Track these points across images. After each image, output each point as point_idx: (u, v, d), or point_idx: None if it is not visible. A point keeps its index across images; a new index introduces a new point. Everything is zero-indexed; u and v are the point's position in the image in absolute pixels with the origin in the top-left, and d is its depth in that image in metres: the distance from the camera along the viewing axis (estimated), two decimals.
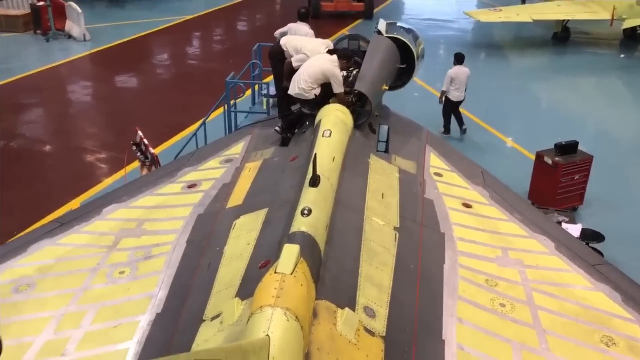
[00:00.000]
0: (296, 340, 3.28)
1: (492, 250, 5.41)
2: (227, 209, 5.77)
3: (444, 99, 12.84)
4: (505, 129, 13.82)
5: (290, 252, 3.81)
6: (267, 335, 3.13)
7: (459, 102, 12.92)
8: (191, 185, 6.49)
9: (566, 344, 4.34)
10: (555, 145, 9.84)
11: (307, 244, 4.15)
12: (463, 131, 13.03)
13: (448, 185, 6.44)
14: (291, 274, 3.65)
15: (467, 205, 6.10)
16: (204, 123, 10.42)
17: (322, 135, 5.87)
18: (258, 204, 5.55)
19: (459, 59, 12.77)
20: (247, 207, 5.62)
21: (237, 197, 5.94)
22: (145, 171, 8.81)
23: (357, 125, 6.75)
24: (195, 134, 10.23)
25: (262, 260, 4.50)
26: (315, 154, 5.01)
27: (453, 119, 13.06)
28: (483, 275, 5.03)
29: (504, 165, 11.15)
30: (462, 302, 4.65)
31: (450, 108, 12.95)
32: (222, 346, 2.20)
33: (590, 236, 8.13)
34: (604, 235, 8.29)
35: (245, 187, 6.08)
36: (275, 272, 3.65)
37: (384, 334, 4.03)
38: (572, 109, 15.75)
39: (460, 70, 12.70)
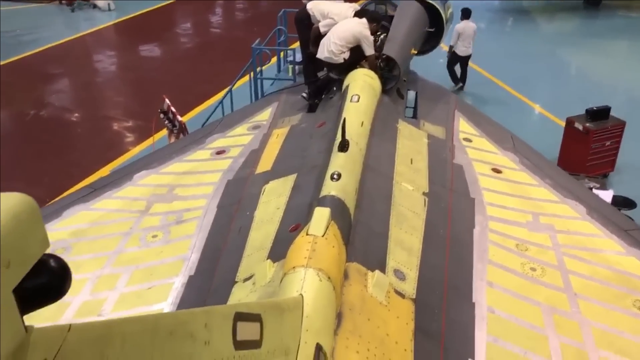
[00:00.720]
0: (329, 300, 3.33)
1: (523, 215, 5.37)
2: (256, 175, 5.81)
3: (450, 53, 12.90)
4: (533, 96, 13.58)
5: (321, 214, 3.83)
6: (301, 294, 3.17)
7: (467, 57, 12.88)
8: (220, 152, 6.53)
9: (597, 307, 4.32)
10: (587, 110, 9.65)
11: (337, 207, 4.16)
12: (460, 88, 12.99)
13: (477, 151, 6.38)
14: (323, 236, 3.68)
15: (497, 171, 6.04)
16: (230, 91, 10.43)
17: (350, 100, 5.83)
18: (287, 169, 5.57)
19: (465, 14, 12.77)
20: (275, 172, 5.64)
21: (265, 163, 5.97)
22: (173, 139, 8.89)
23: (385, 91, 6.69)
24: (221, 102, 10.26)
25: (293, 224, 4.53)
26: (344, 119, 4.99)
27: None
28: (513, 239, 5.01)
29: (532, 132, 10.97)
30: (492, 266, 4.64)
31: (458, 62, 12.98)
32: (260, 301, 2.23)
33: (621, 203, 8.00)
34: (636, 203, 8.17)
35: (273, 153, 6.10)
36: (307, 234, 3.68)
37: (414, 297, 4.05)
38: (603, 74, 15.37)
39: (467, 25, 12.70)
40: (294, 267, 3.42)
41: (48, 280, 0.98)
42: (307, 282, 3.29)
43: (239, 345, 1.77)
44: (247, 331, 1.86)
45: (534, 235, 5.10)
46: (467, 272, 4.54)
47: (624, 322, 4.19)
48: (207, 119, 9.78)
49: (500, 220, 5.24)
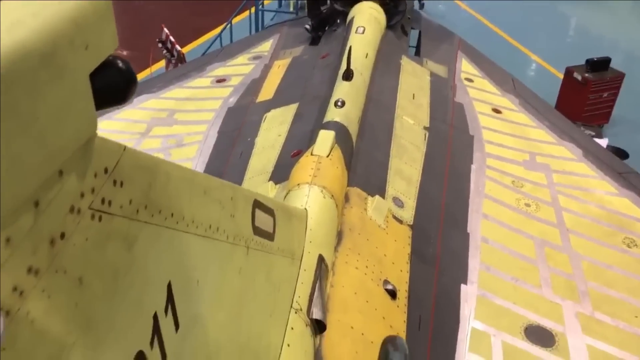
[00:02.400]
0: (331, 216, 3.40)
1: (520, 154, 5.44)
2: (257, 103, 5.80)
3: None
4: (532, 46, 13.47)
5: (326, 137, 3.87)
6: (305, 208, 3.23)
7: None
8: (220, 80, 6.50)
9: (588, 243, 4.45)
10: (587, 61, 9.63)
11: (340, 133, 4.19)
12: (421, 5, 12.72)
13: (478, 91, 6.39)
14: (327, 156, 3.72)
15: (497, 111, 6.08)
16: (229, 23, 10.26)
17: (356, 32, 5.79)
18: (288, 98, 5.56)
19: None
20: (277, 101, 5.64)
21: (267, 92, 5.96)
22: (171, 69, 8.79)
23: (389, 26, 6.62)
24: (220, 35, 10.11)
25: (294, 150, 4.56)
26: (350, 47, 4.97)
27: None
28: (510, 176, 5.09)
29: (529, 81, 10.93)
30: (488, 200, 4.74)
31: None
32: (273, 200, 2.28)
33: (614, 153, 8.08)
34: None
35: (275, 83, 6.07)
36: (311, 154, 3.72)
37: (411, 223, 4.14)
38: (605, 29, 15.23)
39: None
40: (298, 184, 3.48)
41: (116, 78, 1.00)
42: (311, 197, 3.35)
43: (256, 230, 1.82)
44: (263, 220, 1.91)
45: (530, 173, 5.19)
46: (463, 204, 4.63)
47: (612, 257, 4.32)
48: (206, 51, 9.65)
49: (498, 157, 5.31)
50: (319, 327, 2.83)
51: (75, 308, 0.90)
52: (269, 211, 2.04)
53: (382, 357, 1.56)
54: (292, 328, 2.54)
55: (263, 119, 5.38)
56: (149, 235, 1.10)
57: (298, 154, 4.35)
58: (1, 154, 0.74)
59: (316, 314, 2.79)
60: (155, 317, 1.13)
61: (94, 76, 0.94)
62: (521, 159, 5.38)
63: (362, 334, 3.06)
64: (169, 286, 1.17)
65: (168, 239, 1.19)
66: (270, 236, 2.04)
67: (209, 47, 10.06)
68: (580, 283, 4.08)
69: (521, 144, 5.60)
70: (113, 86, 0.99)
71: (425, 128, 5.30)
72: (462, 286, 3.96)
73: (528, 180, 5.07)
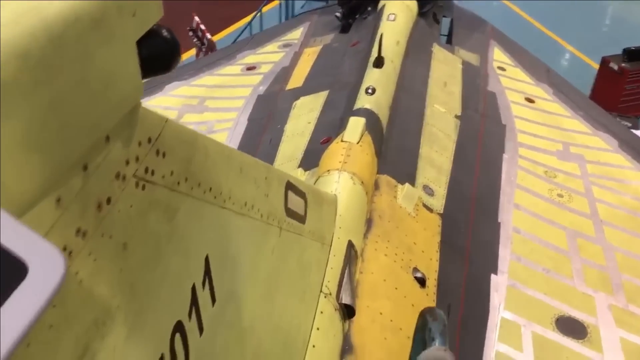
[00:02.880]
0: (361, 203, 3.39)
1: (553, 144, 5.34)
2: (286, 91, 5.81)
3: None
4: (567, 36, 13.19)
5: (356, 123, 3.86)
6: (335, 195, 3.23)
7: None
8: (250, 68, 6.51)
9: (623, 235, 4.36)
10: (624, 50, 9.39)
11: (370, 120, 4.17)
12: None
13: (511, 80, 6.29)
14: (357, 143, 3.71)
15: (530, 100, 5.98)
16: (259, 10, 10.26)
17: (387, 19, 5.74)
18: (318, 86, 5.55)
19: None
20: (307, 88, 5.64)
21: (296, 79, 5.95)
22: (201, 57, 8.84)
23: (420, 14, 6.54)
24: (250, 23, 10.12)
25: (324, 137, 4.56)
26: (382, 34, 4.93)
27: None
28: (542, 167, 5.01)
29: (563, 72, 10.71)
30: (520, 190, 4.67)
31: None
32: (304, 183, 2.28)
33: None
34: None
35: (304, 71, 6.07)
36: (342, 141, 3.71)
37: (441, 212, 4.11)
38: None
39: None
40: (328, 170, 3.47)
41: (161, 47, 1.01)
42: (341, 184, 3.34)
43: (289, 212, 1.83)
44: (295, 203, 1.91)
45: (564, 163, 5.09)
46: (494, 194, 4.57)
47: None
48: (236, 39, 9.67)
49: (531, 147, 5.23)
50: (348, 312, 2.83)
51: (120, 273, 0.92)
52: (301, 194, 2.04)
53: (420, 328, 1.54)
54: (321, 312, 2.54)
55: (293, 107, 5.39)
56: (189, 208, 1.11)
57: (327, 141, 4.34)
58: (54, 114, 0.76)
59: (345, 299, 2.79)
60: (193, 289, 1.14)
61: (140, 44, 0.96)
62: (554, 149, 5.28)
63: (391, 320, 3.05)
64: (207, 260, 1.19)
65: (207, 213, 1.20)
66: (301, 219, 2.05)
67: (238, 36, 10.08)
68: (614, 275, 4.00)
69: (554, 133, 5.50)
70: (158, 55, 1.00)
71: (456, 116, 5.24)
72: (492, 276, 3.91)
73: (561, 171, 4.98)
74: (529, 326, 3.63)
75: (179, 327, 1.09)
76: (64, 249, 0.79)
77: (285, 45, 6.93)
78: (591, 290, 3.88)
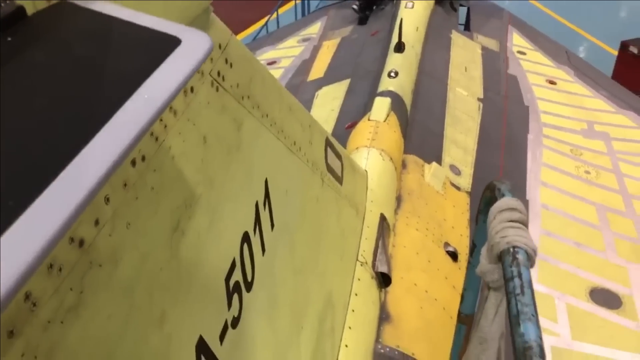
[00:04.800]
0: (391, 178, 3.42)
1: (577, 123, 5.33)
2: (308, 82, 5.86)
3: None
4: (583, 24, 13.10)
5: (382, 102, 3.90)
6: (365, 170, 3.27)
7: None
8: (271, 63, 6.58)
9: None
10: None
11: (395, 101, 4.20)
12: None
13: (532, 63, 6.29)
14: (384, 121, 3.74)
15: (552, 82, 5.97)
16: (276, 10, 10.35)
17: (405, 7, 5.77)
18: (340, 75, 5.60)
19: None
20: (328, 78, 5.69)
21: (317, 70, 6.01)
22: None
23: (438, 2, 6.58)
24: (266, 23, 10.20)
25: (348, 122, 4.60)
26: (402, 20, 4.96)
27: None
28: (568, 145, 5.00)
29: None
30: (546, 168, 4.67)
31: None
32: (341, 146, 2.31)
33: None
34: None
35: (325, 62, 6.12)
36: (369, 120, 3.75)
37: (469, 190, 4.12)
38: None
39: None
40: (357, 148, 3.51)
41: None
42: (370, 160, 3.38)
43: (329, 168, 1.86)
44: (333, 161, 1.95)
45: (589, 141, 5.08)
46: (521, 172, 4.58)
47: None
48: (255, 37, 9.76)
49: (555, 127, 5.22)
50: (384, 281, 2.86)
51: (201, 163, 0.97)
52: (338, 155, 2.08)
53: (487, 189, 1.52)
54: (358, 279, 2.58)
55: (315, 96, 5.44)
56: (250, 126, 1.16)
57: (352, 126, 4.37)
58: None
59: (381, 267, 2.82)
60: (257, 206, 1.18)
61: None
62: (579, 127, 5.28)
63: (426, 291, 3.07)
64: (266, 183, 1.23)
65: (264, 137, 1.24)
66: (339, 179, 2.08)
67: (256, 36, 10.18)
68: None
69: (578, 113, 5.49)
70: None
71: (479, 99, 5.25)
72: None
73: (587, 149, 4.97)
74: (563, 298, 3.63)
75: (246, 238, 1.13)
76: (160, 120, 0.84)
77: (305, 40, 7.00)
78: (624, 261, 3.87)
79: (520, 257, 1.30)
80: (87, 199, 0.57)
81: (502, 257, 1.34)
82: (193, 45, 0.67)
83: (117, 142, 0.60)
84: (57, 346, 0.67)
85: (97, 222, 0.74)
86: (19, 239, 0.52)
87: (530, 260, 1.32)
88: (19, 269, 0.50)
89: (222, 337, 1.04)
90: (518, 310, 1.15)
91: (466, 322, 1.69)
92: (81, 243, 0.72)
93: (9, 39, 0.65)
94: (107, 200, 0.75)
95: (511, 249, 1.34)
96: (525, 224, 1.40)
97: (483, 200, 1.60)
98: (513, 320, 1.13)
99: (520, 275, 1.25)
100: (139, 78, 0.64)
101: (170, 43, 0.68)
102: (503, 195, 1.45)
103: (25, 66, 0.66)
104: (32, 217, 0.53)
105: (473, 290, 1.75)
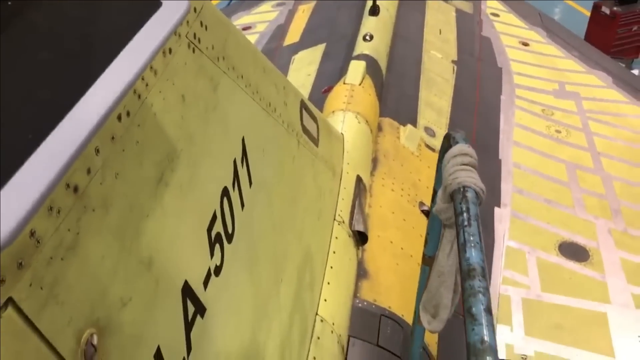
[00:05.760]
0: (367, 141, 3.50)
1: (549, 83, 5.44)
2: (284, 47, 5.85)
3: None
4: None
5: (357, 66, 3.95)
6: (341, 133, 3.34)
7: None
8: (246, 28, 6.54)
9: (620, 164, 4.49)
10: None
11: (370, 64, 4.25)
12: None
13: (505, 25, 6.36)
14: (359, 84, 3.80)
15: (525, 44, 6.05)
16: None
17: None
18: (315, 39, 5.61)
19: None
20: (304, 43, 5.69)
21: (293, 35, 6.00)
22: None
23: None
24: None
25: (325, 86, 4.64)
26: None
27: None
28: (539, 105, 5.12)
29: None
30: (518, 128, 4.78)
31: None
32: (316, 109, 2.37)
33: None
34: None
35: (300, 26, 6.11)
36: (344, 83, 3.80)
37: None
38: None
39: None
40: (333, 111, 3.57)
41: None
42: (346, 123, 3.45)
43: (304, 129, 1.93)
44: (308, 123, 2.01)
45: (560, 101, 5.20)
46: (494, 133, 4.69)
47: None
48: (229, 3, 9.62)
49: (527, 88, 5.33)
50: (361, 239, 2.97)
51: (181, 120, 1.03)
52: (314, 117, 2.14)
53: (445, 139, 1.67)
54: (336, 237, 2.67)
55: (291, 61, 5.45)
56: (227, 87, 1.22)
57: (329, 90, 4.42)
58: None
59: (358, 226, 2.92)
60: (235, 163, 1.25)
61: None
62: (551, 88, 5.39)
63: (402, 248, 3.19)
64: (243, 140, 1.30)
65: (240, 97, 1.30)
66: (315, 141, 2.15)
67: (230, 1, 10.04)
68: (613, 202, 4.14)
69: (550, 74, 5.59)
70: None
71: (453, 62, 5.32)
72: (496, 209, 4.05)
73: (558, 108, 5.09)
74: (533, 252, 3.77)
75: (225, 193, 1.20)
76: (142, 79, 0.89)
77: (279, 5, 6.95)
78: (592, 216, 4.02)
79: (469, 194, 1.46)
80: (80, 148, 0.64)
81: (454, 196, 1.49)
82: (172, 8, 0.73)
83: (105, 98, 0.67)
84: (59, 280, 0.75)
85: (89, 171, 0.81)
86: (23, 183, 0.59)
87: (479, 198, 1.47)
88: (25, 208, 0.57)
89: (205, 283, 1.13)
90: (465, 239, 1.31)
91: (429, 263, 1.84)
92: (76, 189, 0.79)
93: (9, 2, 0.71)
94: (97, 151, 0.82)
95: (461, 189, 1.49)
96: (475, 167, 1.55)
97: (441, 149, 1.75)
98: (461, 247, 1.29)
99: (468, 210, 1.39)
100: (124, 38, 0.71)
101: (153, 6, 0.73)
102: (457, 143, 1.58)
103: (27, 26, 0.72)
104: (33, 165, 0.60)
105: (435, 233, 1.90)
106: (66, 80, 0.70)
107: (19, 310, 0.70)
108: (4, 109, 0.63)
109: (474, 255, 1.28)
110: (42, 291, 0.73)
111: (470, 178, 1.47)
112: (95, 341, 0.81)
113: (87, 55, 0.73)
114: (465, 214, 1.39)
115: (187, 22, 1.05)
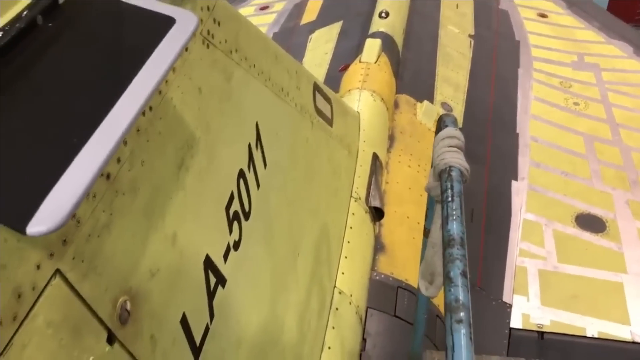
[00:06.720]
0: (383, 118, 3.57)
1: (568, 55, 5.42)
2: (301, 25, 5.91)
3: None
4: None
5: (372, 44, 4.00)
6: (357, 112, 3.41)
7: None
8: (263, 8, 6.60)
9: (639, 135, 4.48)
10: None
11: (386, 42, 4.30)
12: None
13: None
14: (375, 62, 3.86)
15: (543, 15, 6.01)
16: None
17: None
18: (332, 18, 5.65)
19: None
20: (321, 21, 5.74)
21: (310, 14, 6.05)
22: None
23: None
24: None
25: (341, 65, 4.70)
26: None
27: None
28: (557, 78, 5.11)
29: None
30: (536, 101, 4.80)
31: None
32: (330, 90, 2.46)
33: None
34: None
35: (317, 5, 6.15)
36: (360, 62, 3.87)
37: (460, 126, 4.26)
38: None
39: None
40: (349, 90, 3.64)
41: None
42: (362, 101, 3.52)
43: (318, 111, 2.02)
44: (322, 104, 2.10)
45: (579, 73, 5.19)
46: (511, 107, 4.71)
47: None
48: None
49: (545, 60, 5.32)
50: (377, 214, 3.06)
51: (199, 111, 1.14)
52: (327, 98, 2.23)
53: (438, 122, 1.89)
54: (353, 214, 2.77)
55: (309, 40, 5.51)
56: (240, 77, 1.32)
57: (345, 68, 4.48)
58: None
59: (374, 202, 3.01)
60: (249, 147, 1.36)
61: None
62: (569, 60, 5.36)
63: (418, 222, 3.27)
64: (257, 126, 1.40)
65: (253, 85, 1.40)
66: (329, 121, 2.24)
67: None
68: (631, 173, 4.16)
69: (569, 45, 5.56)
70: None
71: (470, 36, 5.33)
72: (513, 182, 4.10)
73: (576, 80, 5.08)
74: (550, 224, 3.82)
75: (242, 175, 1.32)
76: (166, 82, 1.02)
77: None
78: (609, 187, 4.05)
79: (454, 174, 1.62)
80: (115, 148, 0.78)
81: (441, 175, 1.64)
82: (184, 24, 0.85)
83: (136, 101, 0.80)
84: (96, 254, 0.89)
85: (119, 160, 0.96)
86: (75, 176, 0.73)
87: (463, 176, 1.62)
88: (74, 200, 0.71)
89: (225, 257, 1.25)
90: (448, 212, 1.47)
91: (428, 235, 2.01)
92: (108, 176, 0.93)
93: (49, 24, 0.83)
94: (125, 143, 0.94)
95: (448, 168, 1.65)
96: (461, 148, 1.72)
97: (436, 131, 1.93)
98: (444, 220, 1.44)
99: (452, 188, 1.53)
100: (148, 50, 0.83)
101: (168, 22, 0.85)
102: (447, 126, 1.71)
103: (67, 44, 0.85)
104: (80, 162, 0.75)
105: (432, 208, 2.08)
106: (106, 87, 0.84)
107: (65, 280, 0.85)
108: (58, 113, 0.77)
109: (454, 227, 1.43)
110: (83, 263, 0.87)
111: (456, 159, 1.64)
112: (128, 307, 0.95)
113: (119, 66, 0.86)
114: (449, 191, 1.54)
115: (201, 20, 1.15)
